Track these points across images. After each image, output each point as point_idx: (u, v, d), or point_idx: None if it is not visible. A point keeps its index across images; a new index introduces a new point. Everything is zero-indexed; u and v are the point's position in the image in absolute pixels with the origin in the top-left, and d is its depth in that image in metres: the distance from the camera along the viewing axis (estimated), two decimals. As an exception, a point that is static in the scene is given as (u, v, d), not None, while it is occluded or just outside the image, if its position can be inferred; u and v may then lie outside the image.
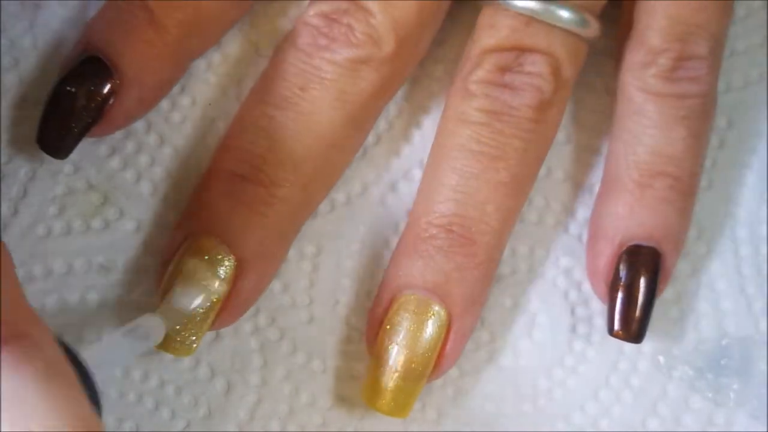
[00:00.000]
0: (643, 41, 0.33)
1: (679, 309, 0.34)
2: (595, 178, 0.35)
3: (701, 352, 0.34)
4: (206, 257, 0.30)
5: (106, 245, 0.32)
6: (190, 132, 0.33)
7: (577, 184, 0.35)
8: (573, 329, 0.34)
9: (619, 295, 0.32)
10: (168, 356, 0.32)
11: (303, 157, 0.31)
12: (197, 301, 0.30)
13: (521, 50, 0.32)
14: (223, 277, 0.30)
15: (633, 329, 0.32)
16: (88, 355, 0.26)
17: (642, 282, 0.32)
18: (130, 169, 0.33)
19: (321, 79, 0.31)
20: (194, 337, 0.30)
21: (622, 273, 0.32)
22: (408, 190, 0.34)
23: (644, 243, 0.32)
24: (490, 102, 0.32)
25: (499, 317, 0.34)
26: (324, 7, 0.32)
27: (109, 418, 0.32)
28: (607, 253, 0.33)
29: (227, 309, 0.31)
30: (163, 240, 0.32)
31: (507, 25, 0.32)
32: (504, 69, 0.32)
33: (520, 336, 0.34)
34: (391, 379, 0.31)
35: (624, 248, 0.32)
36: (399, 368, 0.31)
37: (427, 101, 0.35)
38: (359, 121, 0.32)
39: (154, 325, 0.29)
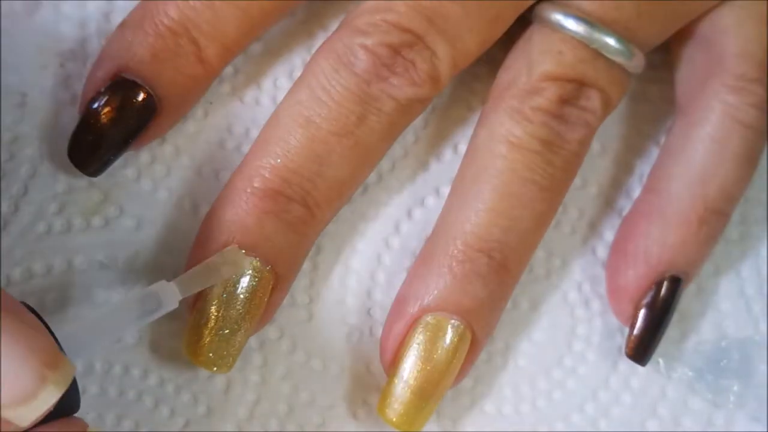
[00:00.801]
0: (733, 68, 0.32)
1: (679, 310, 0.34)
2: (599, 178, 0.35)
3: (701, 354, 0.34)
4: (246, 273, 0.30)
5: (106, 243, 0.32)
6: (191, 130, 0.33)
7: (580, 186, 0.35)
8: (572, 330, 0.34)
9: (648, 319, 0.32)
10: (167, 354, 0.32)
11: (346, 182, 0.31)
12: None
13: (582, 83, 0.31)
14: (257, 291, 0.30)
15: (648, 355, 0.33)
16: (96, 315, 0.27)
17: (667, 313, 0.32)
18: (131, 166, 0.33)
19: (378, 110, 0.31)
20: (226, 352, 0.30)
21: (653, 299, 0.32)
22: (408, 191, 0.34)
23: (680, 276, 0.32)
24: (546, 131, 0.31)
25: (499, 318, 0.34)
26: (389, 38, 0.30)
27: (108, 416, 0.32)
28: (642, 276, 0.32)
29: (261, 321, 0.31)
30: (164, 238, 0.32)
31: (574, 56, 0.31)
32: (565, 100, 0.31)
33: (520, 337, 0.34)
34: (410, 396, 0.31)
35: (663, 277, 0.32)
36: (420, 388, 0.31)
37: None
38: (394, 141, 0.32)
39: (167, 293, 0.28)
